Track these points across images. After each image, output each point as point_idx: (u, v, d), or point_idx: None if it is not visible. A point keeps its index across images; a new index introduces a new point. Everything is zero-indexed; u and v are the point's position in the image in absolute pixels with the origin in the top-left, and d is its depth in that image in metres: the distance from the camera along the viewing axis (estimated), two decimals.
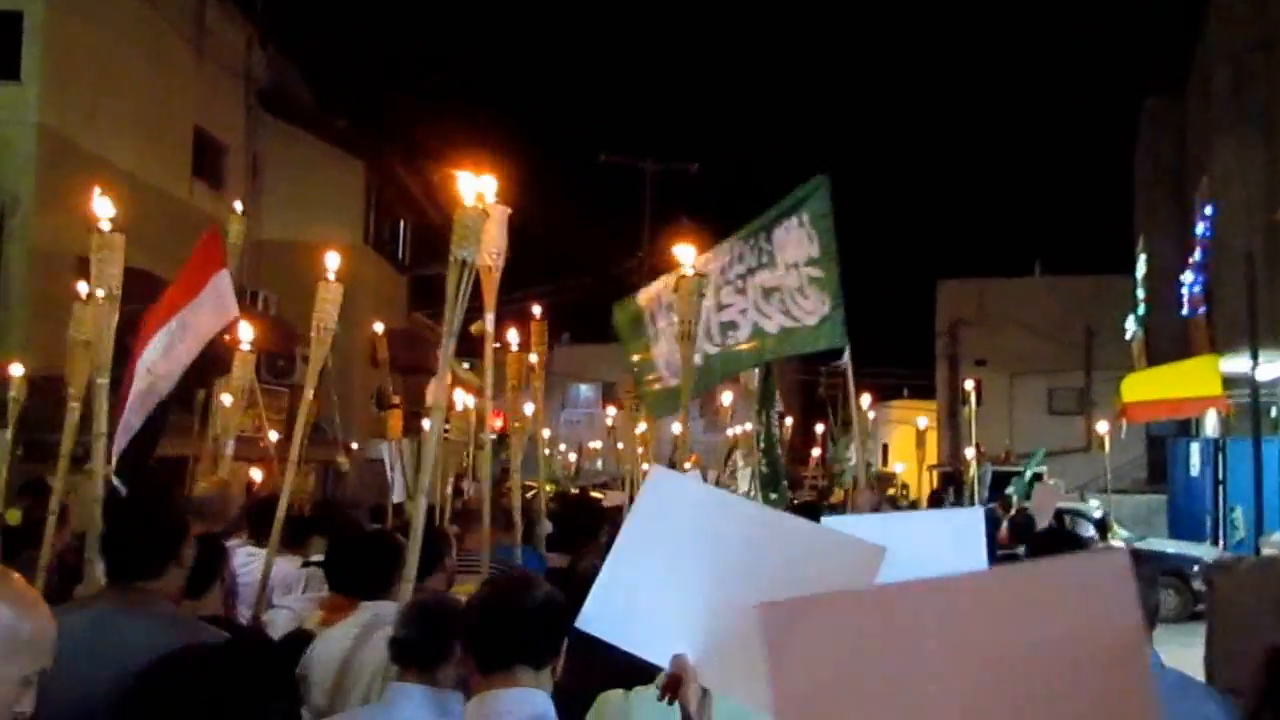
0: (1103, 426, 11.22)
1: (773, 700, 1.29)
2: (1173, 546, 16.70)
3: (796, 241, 6.55)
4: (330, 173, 18.94)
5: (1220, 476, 18.13)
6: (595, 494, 12.67)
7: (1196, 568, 15.11)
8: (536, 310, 6.79)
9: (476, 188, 3.50)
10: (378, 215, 21.14)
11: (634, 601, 2.26)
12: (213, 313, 5.78)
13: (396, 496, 8.80)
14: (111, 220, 4.06)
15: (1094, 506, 17.54)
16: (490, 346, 4.28)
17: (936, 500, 14.79)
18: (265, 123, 18.34)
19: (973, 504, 11.90)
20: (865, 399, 8.91)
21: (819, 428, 14.47)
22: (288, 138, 18.55)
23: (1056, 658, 1.13)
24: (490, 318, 4.06)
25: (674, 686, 2.14)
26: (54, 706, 2.26)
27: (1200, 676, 4.75)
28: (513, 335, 5.99)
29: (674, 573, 2.23)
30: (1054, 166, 65.09)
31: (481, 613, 2.27)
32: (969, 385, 12.36)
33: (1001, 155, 63.12)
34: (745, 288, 6.73)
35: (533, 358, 6.63)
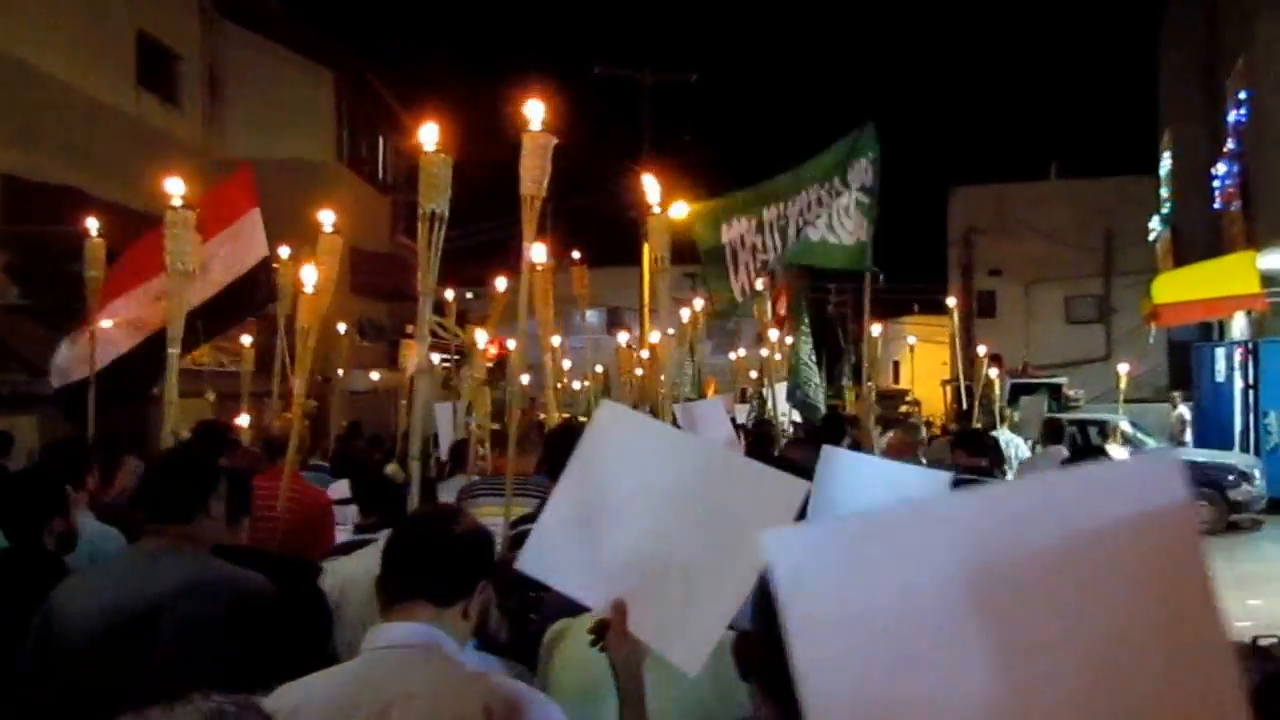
0: (1123, 367, 10.95)
1: (789, 635, 1.22)
2: (1203, 455, 15.98)
3: (860, 172, 7.84)
4: (296, 85, 17.92)
5: (1251, 381, 17.38)
6: None
7: (1231, 477, 14.52)
8: (576, 255, 7.59)
9: (437, 134, 3.48)
10: (352, 131, 20.16)
11: (573, 543, 2.23)
12: (242, 252, 6.22)
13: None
14: (184, 197, 4.39)
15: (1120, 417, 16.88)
16: (527, 276, 4.28)
17: (959, 416, 14.14)
18: (224, 30, 17.23)
19: (992, 420, 11.42)
20: (876, 328, 9.64)
21: (789, 337, 13.86)
22: (249, 46, 17.49)
23: (1107, 563, 1.14)
24: (528, 246, 4.06)
25: (603, 631, 2.12)
26: (98, 644, 2.70)
27: (1241, 590, 4.28)
28: (540, 252, 5.89)
29: (613, 513, 2.20)
30: (1072, 64, 62.89)
31: (392, 545, 2.19)
32: (951, 301, 11.84)
33: (1017, 54, 61.08)
34: (811, 207, 7.75)
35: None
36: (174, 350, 4.50)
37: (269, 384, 8.23)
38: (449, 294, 9.98)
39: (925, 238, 34.39)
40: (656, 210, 4.87)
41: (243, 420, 7.95)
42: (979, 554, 1.19)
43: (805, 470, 3.78)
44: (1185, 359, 23.91)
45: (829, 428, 8.05)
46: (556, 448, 3.95)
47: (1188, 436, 17.66)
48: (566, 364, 11.06)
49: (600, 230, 28.04)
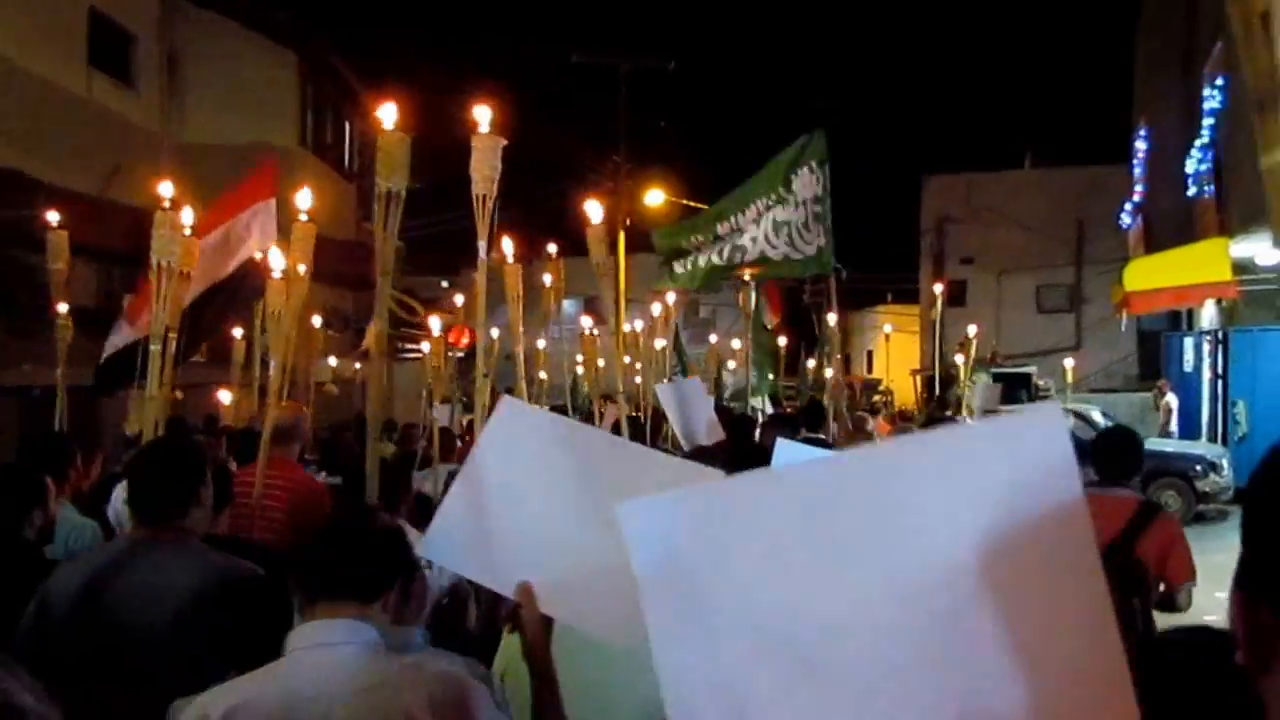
0: (1069, 361, 11.33)
1: (643, 605, 1.22)
2: (1171, 445, 16.00)
3: (809, 184, 8.14)
4: (258, 67, 17.51)
5: (1219, 370, 17.42)
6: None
7: (1199, 467, 14.51)
8: (553, 249, 7.87)
9: (394, 113, 3.63)
10: (316, 116, 19.79)
11: (479, 531, 2.27)
12: (252, 239, 6.37)
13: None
14: (172, 200, 4.73)
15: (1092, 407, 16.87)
16: (482, 272, 4.50)
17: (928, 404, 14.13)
18: (183, 9, 16.78)
19: (961, 411, 11.48)
20: (832, 317, 10.16)
21: (781, 340, 13.92)
22: (209, 27, 17.06)
23: (987, 524, 1.08)
24: (482, 244, 4.27)
25: (516, 615, 2.18)
26: (93, 629, 2.78)
27: (1208, 583, 4.37)
28: (507, 245, 6.22)
29: (520, 502, 2.24)
30: (1047, 52, 62.75)
31: (310, 546, 2.28)
32: (938, 289, 12.14)
33: (991, 42, 61.10)
34: (760, 219, 8.32)
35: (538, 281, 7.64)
36: (155, 346, 4.72)
37: (235, 374, 8.51)
38: (459, 302, 10.40)
39: (897, 227, 34.38)
40: (595, 223, 5.44)
41: (224, 396, 8.43)
42: (837, 520, 1.14)
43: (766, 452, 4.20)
44: (1155, 348, 24.01)
45: (809, 414, 8.53)
46: None
47: (1173, 425, 17.65)
48: (540, 343, 11.27)
49: (578, 218, 27.74)
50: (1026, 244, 29.40)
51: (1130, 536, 4.21)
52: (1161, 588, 4.26)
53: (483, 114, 4.07)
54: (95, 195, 12.36)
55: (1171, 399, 17.93)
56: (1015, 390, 19.78)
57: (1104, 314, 26.18)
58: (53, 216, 6.49)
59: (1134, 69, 25.88)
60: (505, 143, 4.13)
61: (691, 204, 28.89)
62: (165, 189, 4.83)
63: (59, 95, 13.03)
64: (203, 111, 16.93)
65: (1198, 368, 18.77)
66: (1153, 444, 15.82)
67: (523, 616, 2.14)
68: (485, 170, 4.10)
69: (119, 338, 7.31)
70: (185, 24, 16.84)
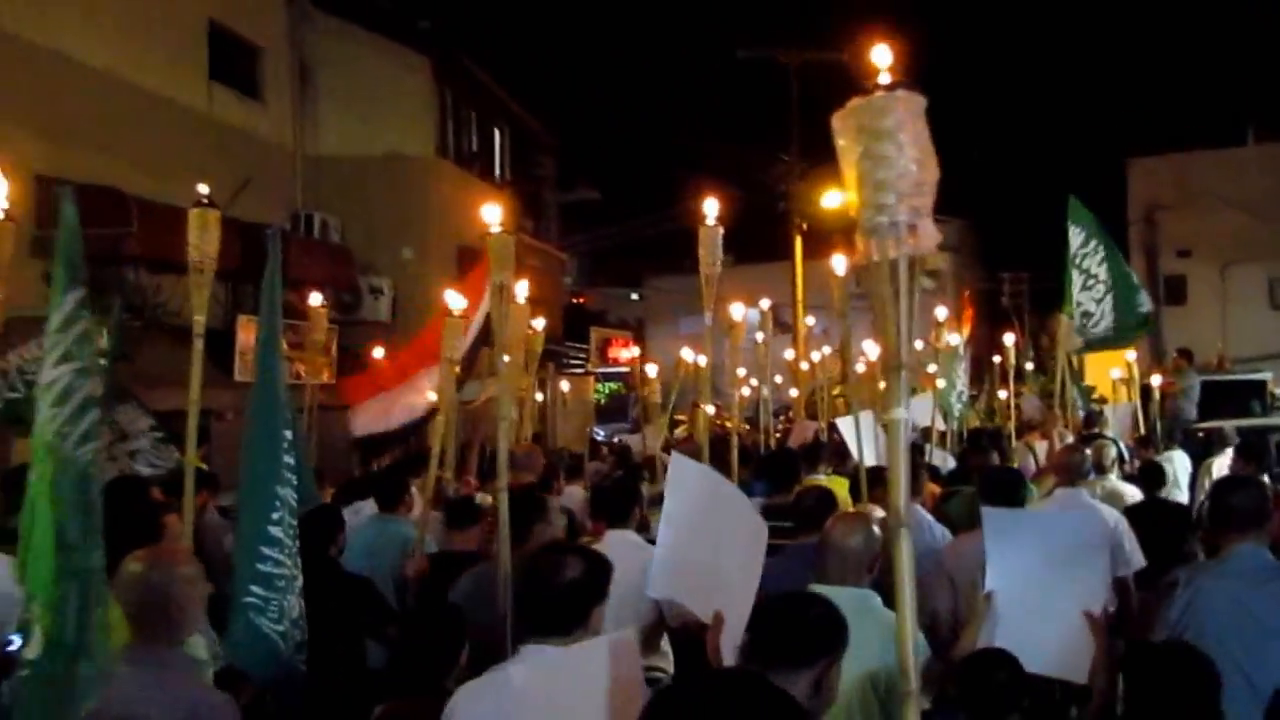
0: None
1: None
2: None
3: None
4: (391, 75, 17.38)
5: None
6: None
7: None
8: (765, 303, 9.79)
9: (500, 214, 4.44)
10: (456, 123, 19.56)
11: (683, 572, 3.44)
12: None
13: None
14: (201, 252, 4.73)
15: None
16: (709, 343, 6.20)
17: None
18: (311, 20, 16.81)
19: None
20: (1009, 336, 10.95)
21: (1008, 338, 12.20)
22: (338, 36, 17.04)
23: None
24: (709, 314, 5.39)
25: (705, 632, 3.30)
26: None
27: None
28: (737, 310, 7.78)
29: (704, 548, 3.41)
30: (1268, 5, 56.92)
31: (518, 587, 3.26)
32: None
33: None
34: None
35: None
36: (442, 416, 6.38)
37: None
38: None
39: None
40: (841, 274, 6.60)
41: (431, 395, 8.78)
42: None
43: (998, 480, 5.19)
44: None
45: (973, 444, 8.89)
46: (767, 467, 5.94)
47: None
48: (741, 372, 11.45)
49: (753, 224, 26.87)
50: (1254, 231, 26.62)
51: None
52: None
53: (710, 206, 5.09)
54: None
55: None
56: (1247, 400, 17.44)
57: None
58: (315, 298, 7.84)
59: None
60: (722, 230, 5.10)
61: None
62: (454, 300, 5.68)
63: (175, 111, 13.08)
64: (334, 122, 16.93)
65: None
66: None
67: (710, 638, 3.23)
68: (709, 256, 5.12)
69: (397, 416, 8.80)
70: (314, 34, 16.86)
